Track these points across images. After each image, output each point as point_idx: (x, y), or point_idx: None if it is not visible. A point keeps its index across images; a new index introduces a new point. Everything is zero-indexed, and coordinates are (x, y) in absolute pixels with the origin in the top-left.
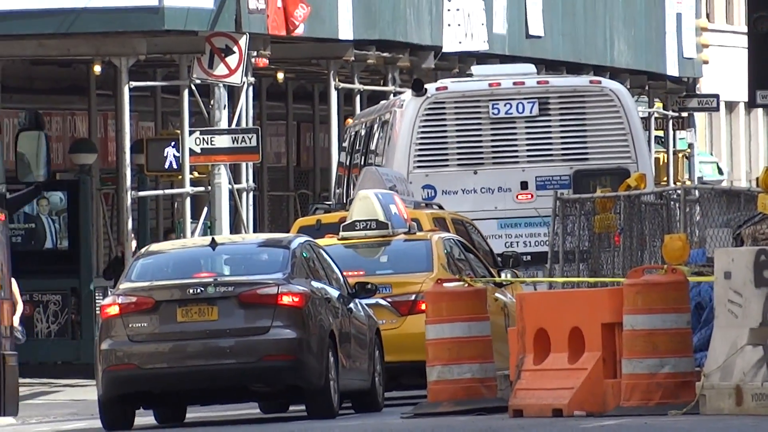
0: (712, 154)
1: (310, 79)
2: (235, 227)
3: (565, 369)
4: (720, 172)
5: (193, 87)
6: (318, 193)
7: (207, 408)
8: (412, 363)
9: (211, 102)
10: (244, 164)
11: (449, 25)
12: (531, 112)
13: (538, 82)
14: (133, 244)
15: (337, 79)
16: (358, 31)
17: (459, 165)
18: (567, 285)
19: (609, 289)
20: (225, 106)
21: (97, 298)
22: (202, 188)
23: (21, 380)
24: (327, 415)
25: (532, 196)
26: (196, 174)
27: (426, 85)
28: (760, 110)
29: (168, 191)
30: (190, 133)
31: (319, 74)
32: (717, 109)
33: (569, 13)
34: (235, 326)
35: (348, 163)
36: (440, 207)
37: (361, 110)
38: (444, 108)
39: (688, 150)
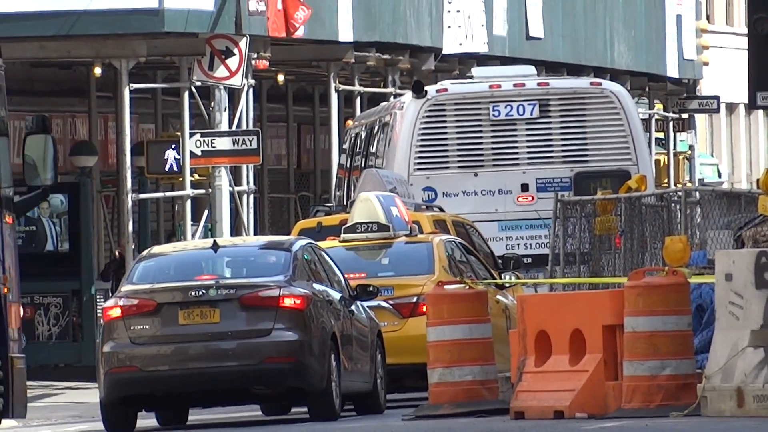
0: (712, 156)
1: (310, 81)
2: (236, 230)
3: (567, 371)
4: (719, 175)
5: (194, 89)
6: (318, 195)
7: (209, 410)
8: (413, 365)
9: (212, 104)
10: (244, 166)
11: (449, 26)
12: (531, 114)
13: (539, 84)
14: (128, 246)
15: (337, 81)
16: (358, 32)
17: (459, 167)
18: (568, 287)
19: (610, 291)
20: (225, 108)
21: (98, 300)
22: (202, 190)
23: None
24: (329, 417)
25: (532, 198)
26: (196, 176)
27: (426, 87)
28: (760, 112)
29: (168, 194)
30: (191, 135)
31: (320, 76)
32: (717, 110)
33: (569, 15)
34: (237, 329)
35: (348, 166)
36: (441, 209)
37: (361, 112)
38: (444, 110)
39: (689, 152)
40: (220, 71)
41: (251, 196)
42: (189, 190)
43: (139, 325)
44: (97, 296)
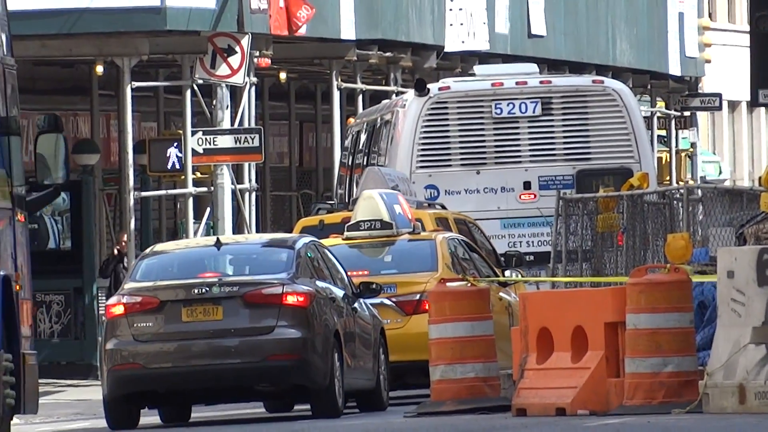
0: (714, 154)
1: (312, 79)
2: (238, 227)
3: (569, 368)
4: (721, 172)
5: (196, 87)
6: (320, 193)
7: (212, 407)
8: (416, 362)
9: (214, 102)
10: (246, 164)
11: (451, 24)
12: (534, 112)
13: (541, 82)
14: (130, 243)
15: (339, 79)
16: (360, 30)
17: (462, 165)
18: (570, 284)
19: (612, 288)
20: (227, 106)
21: (100, 298)
22: (204, 188)
23: None
24: (332, 414)
25: (535, 195)
26: (198, 174)
27: (428, 85)
28: (762, 109)
29: (171, 191)
30: (193, 133)
31: (322, 74)
32: (719, 108)
33: (571, 13)
34: (240, 326)
35: (350, 163)
36: (443, 207)
37: (363, 110)
38: (447, 108)
39: (691, 149)
40: (222, 69)
41: (253, 194)
42: (191, 188)
43: (143, 323)
44: (100, 294)
